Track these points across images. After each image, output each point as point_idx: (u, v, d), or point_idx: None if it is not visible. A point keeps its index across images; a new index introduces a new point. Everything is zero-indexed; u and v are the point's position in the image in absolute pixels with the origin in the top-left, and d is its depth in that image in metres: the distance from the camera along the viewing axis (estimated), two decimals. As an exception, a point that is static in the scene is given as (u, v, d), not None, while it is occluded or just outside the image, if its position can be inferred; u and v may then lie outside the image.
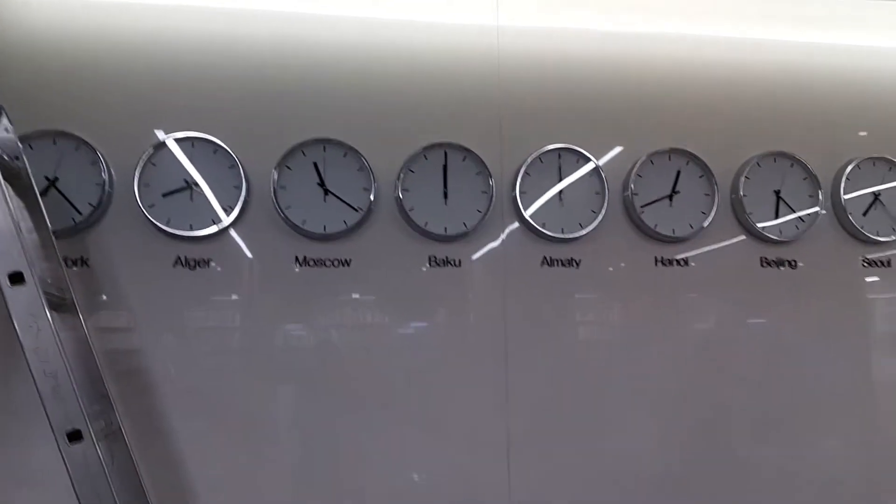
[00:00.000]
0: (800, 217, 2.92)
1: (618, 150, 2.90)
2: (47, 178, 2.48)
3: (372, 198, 2.65)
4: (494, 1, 2.89)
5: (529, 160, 2.78)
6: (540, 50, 2.91)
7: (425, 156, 2.74)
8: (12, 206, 1.78)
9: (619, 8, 2.99)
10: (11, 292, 1.73)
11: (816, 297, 2.96)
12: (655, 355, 2.84)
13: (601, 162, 2.83)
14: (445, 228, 2.71)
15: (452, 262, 2.74)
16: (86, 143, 2.52)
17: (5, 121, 2.10)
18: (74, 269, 2.50)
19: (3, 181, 1.85)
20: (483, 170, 2.74)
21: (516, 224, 2.80)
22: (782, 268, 2.93)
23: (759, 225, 2.88)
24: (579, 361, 2.79)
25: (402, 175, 2.69)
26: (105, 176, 2.51)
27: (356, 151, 2.66)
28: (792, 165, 2.93)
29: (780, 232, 2.90)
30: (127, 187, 2.53)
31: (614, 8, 2.99)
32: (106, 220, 2.55)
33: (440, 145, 2.74)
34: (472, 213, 2.73)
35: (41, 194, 2.42)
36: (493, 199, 2.73)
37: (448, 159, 2.75)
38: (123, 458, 2.08)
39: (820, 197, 2.93)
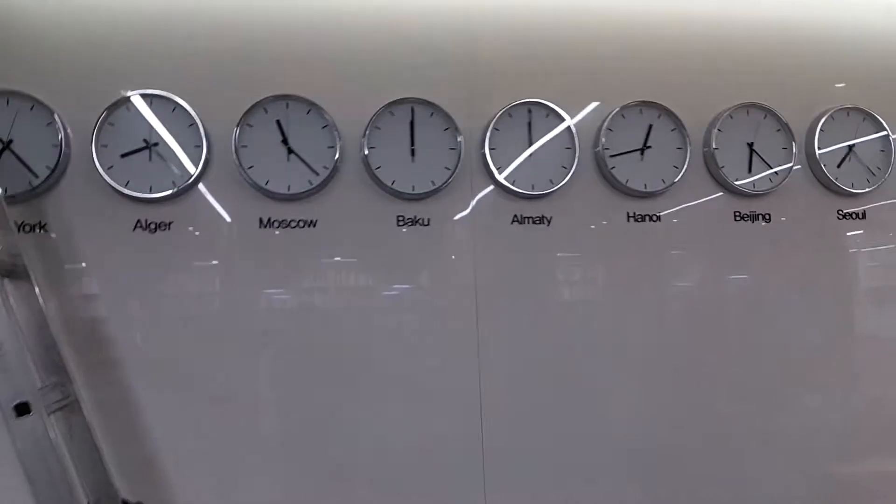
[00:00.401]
0: (773, 170, 2.89)
1: (589, 104, 2.84)
2: (1, 141, 2.42)
3: (337, 156, 2.59)
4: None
5: (498, 115, 2.71)
6: (509, 5, 2.82)
7: (391, 112, 2.66)
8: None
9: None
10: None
11: (793, 251, 2.94)
12: (630, 313, 2.81)
13: (572, 117, 2.77)
14: (413, 186, 2.65)
15: (421, 221, 2.69)
16: (41, 103, 2.44)
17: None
18: (32, 234, 2.44)
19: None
20: (451, 126, 2.67)
21: (485, 181, 2.74)
22: (757, 221, 2.90)
23: (733, 179, 2.84)
24: (552, 320, 2.76)
25: (367, 132, 2.62)
26: (61, 137, 2.43)
27: (320, 108, 2.59)
28: (765, 117, 2.88)
29: (754, 185, 2.86)
30: (85, 148, 2.45)
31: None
32: (64, 183, 2.48)
33: (407, 100, 2.67)
34: (440, 170, 2.67)
35: (-6, 156, 2.41)
36: (462, 155, 2.66)
37: (415, 115, 2.68)
38: (82, 430, 2.05)
39: (794, 149, 2.88)
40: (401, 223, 2.68)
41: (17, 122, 2.42)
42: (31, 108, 2.43)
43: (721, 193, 2.89)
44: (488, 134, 2.70)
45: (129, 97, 2.49)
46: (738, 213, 2.89)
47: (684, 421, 2.82)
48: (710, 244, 2.88)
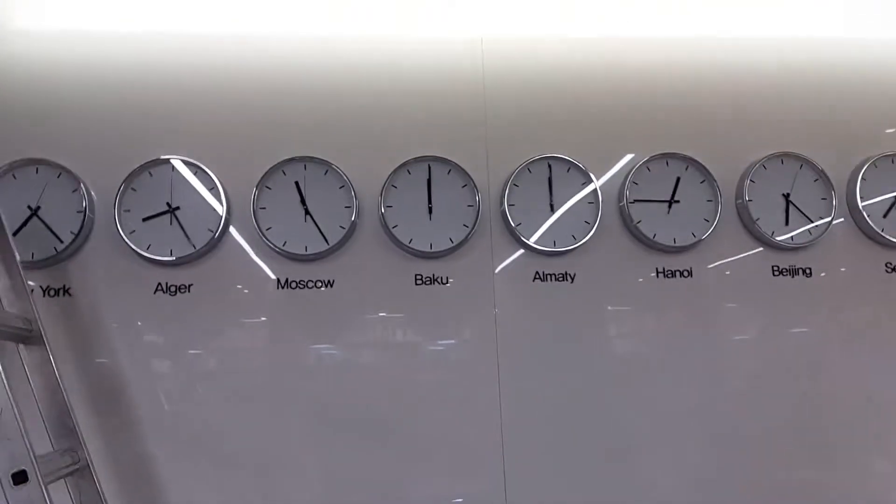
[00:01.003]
0: (812, 222, 2.71)
1: (611, 157, 2.76)
2: (30, 208, 2.49)
3: (354, 216, 2.58)
4: (477, 12, 2.79)
5: (517, 171, 2.66)
6: (526, 58, 2.80)
7: (408, 170, 2.65)
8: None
9: (606, 12, 2.84)
10: (-43, 328, 1.72)
11: (837, 308, 2.74)
12: (662, 374, 2.66)
13: (593, 170, 2.69)
14: (431, 245, 2.61)
15: (440, 280, 2.63)
16: (67, 170, 2.52)
17: (-28, 153, 2.11)
18: (56, 298, 2.50)
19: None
20: (469, 182, 2.64)
21: (505, 238, 2.67)
22: (797, 276, 2.73)
23: (769, 232, 2.69)
24: (576, 383, 2.63)
25: (384, 191, 2.61)
26: (86, 203, 2.51)
27: (337, 168, 2.59)
28: (801, 167, 2.74)
29: (792, 239, 2.70)
30: (108, 214, 2.52)
31: (600, 13, 2.85)
32: (87, 248, 2.54)
33: (423, 159, 2.65)
34: (458, 228, 2.62)
35: (23, 224, 2.48)
36: (480, 212, 2.62)
37: (432, 173, 2.65)
38: (91, 496, 2.04)
39: (834, 200, 2.72)
40: (419, 282, 2.63)
41: (45, 189, 2.50)
42: (59, 176, 2.52)
43: (757, 247, 2.73)
44: (507, 190, 2.64)
45: (151, 163, 2.54)
46: (776, 268, 2.72)
47: (721, 485, 2.62)
48: (747, 300, 2.71)
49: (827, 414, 2.68)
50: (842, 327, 2.73)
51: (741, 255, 2.73)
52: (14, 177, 2.50)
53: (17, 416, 1.69)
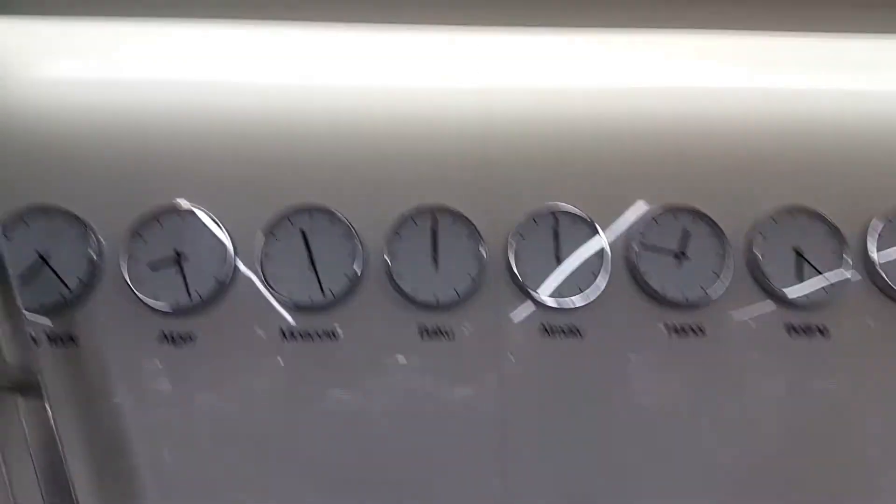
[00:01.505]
0: (826, 279, 2.63)
1: (618, 208, 2.71)
2: (39, 254, 2.51)
3: (357, 266, 2.57)
4: (483, 62, 2.80)
5: (523, 222, 2.63)
6: (532, 108, 2.78)
7: (413, 220, 2.63)
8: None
9: (613, 62, 2.84)
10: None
11: (857, 369, 2.63)
12: (672, 435, 2.57)
13: (600, 222, 2.65)
14: (436, 296, 2.58)
15: (444, 332, 2.59)
16: (77, 217, 2.53)
17: (-18, 203, 2.14)
18: (62, 347, 2.50)
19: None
20: (474, 233, 2.62)
21: (511, 290, 2.63)
22: (813, 335, 2.63)
23: (781, 287, 2.62)
24: (584, 440, 2.55)
25: (389, 240, 2.60)
26: (94, 249, 2.52)
27: (342, 218, 2.58)
28: (812, 220, 2.67)
29: (807, 296, 2.62)
30: (115, 261, 2.52)
31: (607, 62, 2.84)
32: (94, 295, 2.54)
33: (428, 208, 2.64)
34: (464, 279, 2.59)
35: (31, 270, 2.49)
36: (486, 263, 2.59)
37: (437, 223, 2.63)
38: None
39: (847, 257, 2.64)
40: (423, 334, 2.60)
41: (54, 236, 2.52)
42: (68, 223, 2.53)
43: (770, 304, 2.65)
44: (513, 241, 2.62)
45: (159, 210, 2.56)
46: (790, 326, 2.63)
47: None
48: (761, 359, 2.62)
49: (845, 479, 2.57)
50: (860, 388, 2.63)
51: (753, 312, 2.65)
52: (25, 223, 2.52)
53: (3, 472, 1.68)
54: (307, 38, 2.78)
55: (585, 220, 2.64)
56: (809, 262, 2.63)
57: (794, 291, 2.62)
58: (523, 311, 2.61)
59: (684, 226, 2.65)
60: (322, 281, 2.55)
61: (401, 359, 2.56)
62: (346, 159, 2.70)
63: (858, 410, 2.62)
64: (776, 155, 2.79)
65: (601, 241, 2.62)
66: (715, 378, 2.60)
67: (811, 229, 2.66)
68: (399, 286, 2.55)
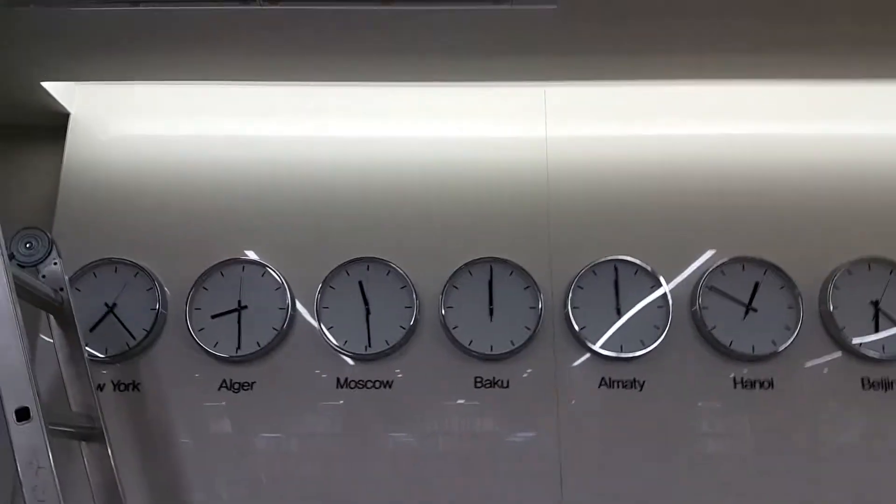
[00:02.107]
0: (906, 332, 2.49)
1: (682, 259, 2.62)
2: (107, 305, 2.58)
3: (414, 316, 2.54)
4: (542, 111, 2.78)
5: (582, 273, 2.56)
6: (591, 156, 2.74)
7: (470, 271, 2.60)
8: (26, 342, 1.82)
9: (674, 111, 2.77)
10: (16, 429, 1.75)
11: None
12: (736, 492, 2.42)
13: (663, 272, 2.56)
14: (491, 347, 2.52)
15: (500, 384, 2.52)
16: (143, 269, 2.60)
17: (55, 253, 2.20)
18: (126, 392, 2.54)
19: (19, 313, 1.88)
20: (531, 284, 2.56)
21: (569, 342, 2.55)
22: (890, 391, 2.46)
23: (857, 341, 2.47)
24: (644, 500, 2.44)
25: (445, 291, 2.56)
26: (159, 301, 2.57)
27: (399, 269, 2.57)
28: (891, 272, 2.52)
29: (884, 349, 2.46)
30: (179, 311, 2.57)
31: (668, 112, 2.77)
32: (158, 344, 2.58)
33: (485, 260, 2.60)
34: (520, 330, 2.53)
35: (100, 321, 2.57)
36: (543, 315, 2.52)
37: (493, 274, 2.59)
38: None
39: (925, 308, 2.49)
40: (479, 385, 2.53)
41: (122, 288, 2.59)
42: (136, 275, 2.60)
43: (844, 358, 2.50)
44: (571, 292, 2.54)
45: (222, 263, 2.60)
46: (866, 381, 2.47)
47: None
48: (835, 415, 2.48)
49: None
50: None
51: (827, 366, 2.50)
52: (95, 275, 2.59)
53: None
54: (373, 95, 2.82)
55: (647, 270, 2.56)
56: (888, 316, 2.47)
57: (870, 345, 2.46)
58: (582, 362, 2.53)
59: (754, 277, 2.54)
60: (376, 331, 2.54)
61: (455, 407, 2.51)
62: (405, 211, 2.70)
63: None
64: (851, 204, 2.66)
65: (664, 292, 2.53)
66: (782, 432, 2.46)
67: (891, 281, 2.51)
68: (454, 336, 2.52)
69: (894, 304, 2.50)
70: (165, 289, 2.61)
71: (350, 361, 2.56)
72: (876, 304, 2.50)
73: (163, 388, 2.55)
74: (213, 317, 2.57)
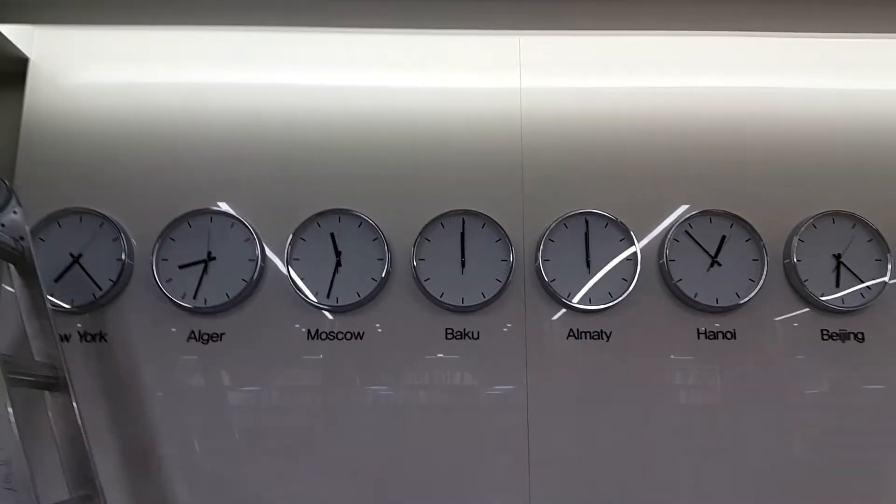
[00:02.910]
0: (866, 284, 2.50)
1: (652, 213, 2.60)
2: (72, 255, 2.49)
3: (386, 269, 2.50)
4: (517, 61, 2.72)
5: (553, 226, 2.54)
6: (564, 111, 2.69)
7: (442, 224, 2.56)
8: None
9: (648, 63, 2.73)
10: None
11: (892, 375, 2.50)
12: (700, 441, 2.46)
13: (632, 226, 2.54)
14: (463, 299, 2.50)
15: (471, 335, 2.51)
16: (109, 219, 2.52)
17: (14, 202, 2.11)
18: (94, 343, 2.47)
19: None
20: (503, 237, 2.53)
21: (539, 294, 2.54)
22: (848, 341, 2.50)
23: (818, 294, 2.49)
24: (610, 448, 2.45)
25: (417, 244, 2.52)
26: (125, 251, 2.49)
27: (370, 221, 2.52)
28: (854, 226, 2.54)
29: (843, 301, 2.49)
30: (146, 262, 2.49)
31: (642, 64, 2.73)
32: (125, 295, 2.52)
33: (457, 212, 2.56)
34: (491, 282, 2.51)
35: (65, 271, 2.49)
36: (514, 267, 2.50)
37: (466, 227, 2.56)
38: (106, 543, 1.97)
39: (889, 261, 2.50)
40: (450, 336, 2.52)
41: (87, 238, 2.51)
42: (101, 226, 2.52)
43: (805, 309, 2.53)
44: (542, 245, 2.52)
45: (190, 213, 2.52)
46: (825, 332, 2.50)
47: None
48: (794, 366, 2.50)
49: (877, 486, 2.45)
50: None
51: (788, 317, 2.53)
52: (59, 225, 2.51)
53: (27, 467, 1.64)
54: (341, 41, 2.73)
55: (618, 224, 2.54)
56: (849, 269, 2.50)
57: (831, 297, 2.48)
58: (551, 313, 2.51)
59: (720, 231, 2.53)
60: (350, 282, 2.50)
61: (426, 359, 2.49)
62: (377, 163, 2.64)
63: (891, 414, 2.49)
64: (817, 159, 2.66)
65: (633, 245, 2.52)
66: (744, 382, 2.48)
67: (853, 235, 2.52)
68: (426, 288, 2.48)
69: (856, 258, 2.52)
70: (132, 239, 2.53)
71: (322, 313, 2.52)
72: (838, 257, 2.53)
73: (130, 339, 2.49)
74: (181, 267, 2.50)
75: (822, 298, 2.48)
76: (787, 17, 2.57)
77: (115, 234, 2.51)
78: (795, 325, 2.52)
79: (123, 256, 2.48)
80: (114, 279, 2.48)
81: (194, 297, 2.47)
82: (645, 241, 2.57)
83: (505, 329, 2.51)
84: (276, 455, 2.45)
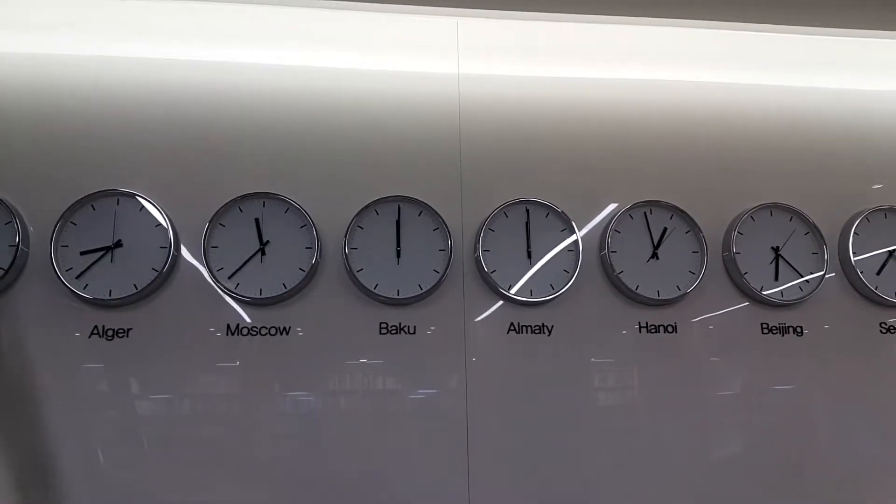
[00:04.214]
0: (803, 277, 2.46)
1: (593, 203, 2.48)
2: (-41, 241, 2.18)
3: (315, 258, 2.27)
4: (454, 46, 2.55)
5: (493, 215, 2.38)
6: (506, 96, 2.54)
7: (376, 210, 2.35)
8: None
9: (589, 53, 2.62)
10: None
11: (829, 370, 2.46)
12: (640, 434, 2.35)
13: (574, 216, 2.41)
14: (398, 291, 2.30)
15: (406, 329, 2.32)
16: (1, 201, 2.19)
17: None
18: (-16, 339, 2.17)
19: None
20: (441, 225, 2.35)
21: (478, 286, 2.37)
22: (787, 335, 2.45)
23: (758, 287, 2.43)
24: (552, 446, 2.30)
25: (349, 231, 2.31)
26: (19, 236, 2.17)
27: (298, 206, 2.29)
28: (791, 219, 2.49)
29: (782, 294, 2.43)
30: (44, 248, 2.18)
31: (583, 52, 2.62)
32: (19, 285, 2.19)
33: (392, 198, 2.36)
34: (428, 273, 2.32)
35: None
36: (452, 258, 2.32)
37: (401, 214, 2.36)
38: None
39: (826, 255, 2.47)
40: (384, 331, 2.31)
41: (-25, 222, 2.19)
42: (-9, 208, 2.22)
43: (745, 303, 2.46)
44: (482, 235, 2.36)
45: (93, 195, 2.22)
46: (765, 325, 2.45)
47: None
48: (734, 358, 2.43)
49: (814, 476, 2.39)
50: (833, 388, 2.45)
51: (728, 311, 2.45)
52: (-57, 208, 2.19)
53: None
54: (274, 15, 2.49)
55: (559, 213, 2.41)
56: (787, 261, 2.44)
57: (770, 290, 2.43)
58: (490, 306, 2.35)
59: (660, 222, 2.44)
60: (277, 272, 2.26)
61: (358, 355, 2.28)
62: (306, 145, 2.41)
63: (828, 406, 2.44)
64: (757, 152, 2.61)
65: (574, 236, 2.39)
66: (684, 375, 2.39)
67: (790, 228, 2.47)
68: (359, 280, 2.27)
69: (794, 251, 2.47)
70: (27, 223, 2.21)
71: (242, 307, 2.27)
72: (776, 249, 2.47)
73: (24, 334, 2.16)
74: (83, 253, 2.20)
75: (762, 292, 2.43)
76: (726, 8, 2.50)
77: (7, 218, 2.18)
78: (736, 319, 2.45)
79: (17, 241, 2.16)
80: (5, 267, 2.15)
81: (134, 284, 2.17)
82: (585, 231, 2.45)
83: (443, 323, 2.33)
84: (186, 459, 2.18)
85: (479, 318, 2.36)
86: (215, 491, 2.19)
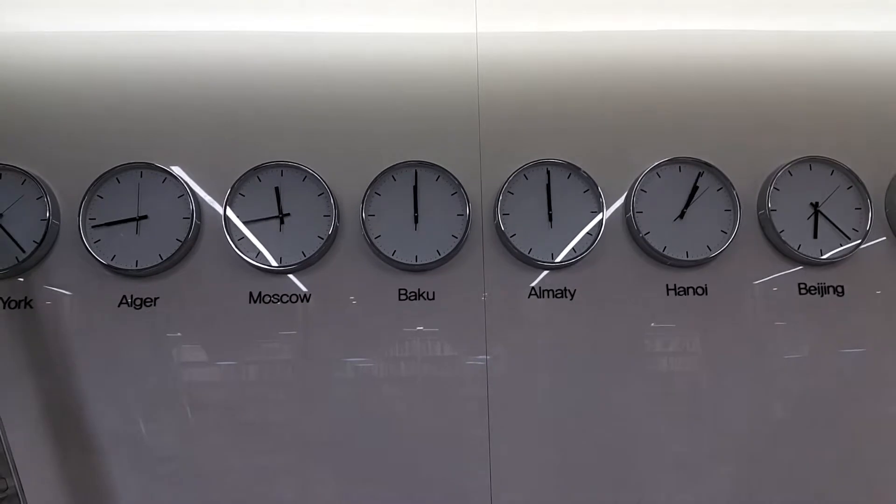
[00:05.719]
0: (845, 234, 2.28)
1: (617, 162, 2.34)
2: (-8, 215, 2.24)
3: (333, 225, 2.24)
4: (472, 6, 2.42)
5: (513, 177, 2.28)
6: (525, 54, 2.42)
7: (393, 176, 2.29)
8: None
9: (613, 5, 2.44)
10: None
11: (872, 333, 2.28)
12: (672, 404, 2.25)
13: (597, 176, 2.28)
14: (416, 257, 2.25)
15: (425, 295, 2.27)
16: (32, 176, 2.23)
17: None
18: (18, 310, 2.20)
19: None
20: (459, 190, 2.27)
21: (499, 250, 2.29)
22: (826, 295, 2.28)
23: (795, 245, 2.26)
24: (574, 412, 2.23)
25: (366, 198, 2.26)
26: (50, 211, 2.21)
27: (315, 174, 2.25)
28: (832, 173, 2.30)
29: (821, 253, 2.26)
30: (73, 222, 2.22)
31: (607, 5, 2.45)
32: (51, 258, 2.24)
33: (409, 164, 2.29)
34: (446, 239, 2.26)
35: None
36: (471, 222, 2.25)
37: (419, 179, 2.29)
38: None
39: (870, 210, 2.27)
40: (403, 297, 2.27)
41: (9, 196, 2.22)
42: (23, 183, 2.23)
43: (782, 263, 2.29)
44: (501, 198, 2.26)
45: (118, 168, 2.23)
46: (803, 286, 2.28)
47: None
48: (769, 321, 2.28)
49: (854, 442, 2.24)
50: (876, 352, 2.28)
51: (763, 271, 2.30)
52: (-22, 183, 2.25)
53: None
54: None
55: (581, 174, 2.28)
56: (827, 218, 2.26)
57: (808, 249, 2.25)
58: (511, 271, 2.27)
59: (690, 180, 2.28)
60: (296, 240, 2.23)
61: (378, 321, 2.25)
62: (323, 112, 2.36)
63: (870, 370, 2.27)
64: (794, 103, 2.41)
65: (598, 197, 2.26)
66: (715, 340, 2.26)
67: (831, 182, 2.28)
68: (376, 246, 2.23)
69: (835, 206, 2.28)
70: (56, 197, 2.25)
71: (263, 275, 2.25)
72: (816, 206, 2.29)
73: (57, 304, 2.23)
74: (109, 224, 2.23)
75: (800, 251, 2.25)
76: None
77: (38, 193, 2.23)
78: (771, 279, 2.30)
79: (48, 215, 2.21)
80: (38, 241, 2.20)
81: (160, 255, 2.19)
82: (609, 192, 2.30)
83: (463, 289, 2.26)
84: (211, 423, 2.21)
85: (498, 283, 2.28)
86: (235, 452, 2.21)
